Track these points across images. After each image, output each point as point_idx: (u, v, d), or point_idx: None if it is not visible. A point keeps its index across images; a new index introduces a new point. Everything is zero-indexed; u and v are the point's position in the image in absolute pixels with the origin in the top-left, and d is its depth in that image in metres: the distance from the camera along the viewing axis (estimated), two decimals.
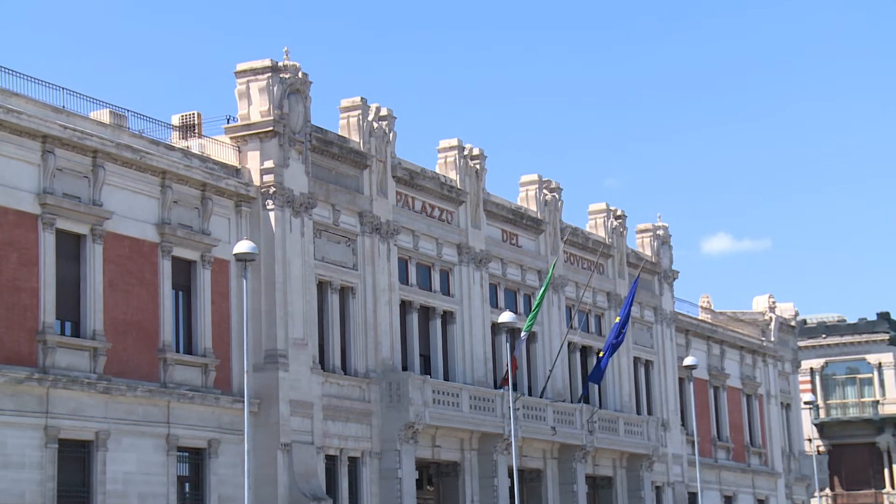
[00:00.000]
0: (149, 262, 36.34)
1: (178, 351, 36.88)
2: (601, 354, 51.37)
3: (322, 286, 41.37)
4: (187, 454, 36.62)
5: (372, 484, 41.60)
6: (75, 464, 33.37)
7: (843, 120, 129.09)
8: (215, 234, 38.30)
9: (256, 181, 39.42)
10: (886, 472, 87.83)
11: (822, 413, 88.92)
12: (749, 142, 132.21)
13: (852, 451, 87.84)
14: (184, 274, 37.50)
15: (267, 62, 39.78)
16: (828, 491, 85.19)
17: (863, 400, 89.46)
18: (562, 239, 53.33)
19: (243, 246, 32.66)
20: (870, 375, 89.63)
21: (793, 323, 75.31)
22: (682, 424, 60.14)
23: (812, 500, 73.06)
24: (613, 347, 50.50)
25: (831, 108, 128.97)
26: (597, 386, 54.20)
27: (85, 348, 33.97)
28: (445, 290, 47.10)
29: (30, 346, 32.63)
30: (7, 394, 31.59)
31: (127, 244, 35.67)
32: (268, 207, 39.41)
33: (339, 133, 43.14)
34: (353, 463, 41.35)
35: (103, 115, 36.99)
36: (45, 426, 32.36)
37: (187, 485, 36.77)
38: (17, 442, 31.67)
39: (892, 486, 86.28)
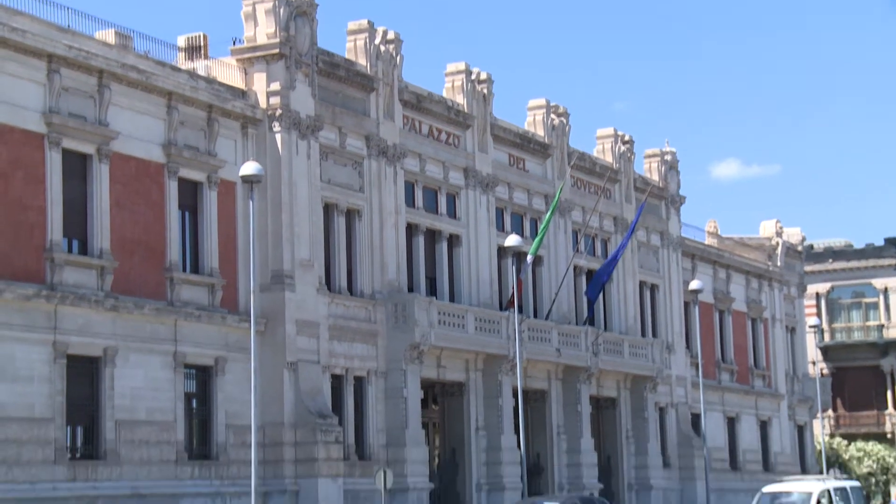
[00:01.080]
0: (155, 183, 36.59)
1: (184, 270, 37.25)
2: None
3: (328, 208, 41.63)
4: (194, 371, 37.16)
5: (377, 402, 42.17)
6: (84, 379, 33.91)
7: (854, 44, 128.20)
8: (221, 156, 38.49)
9: (263, 103, 39.53)
10: (889, 393, 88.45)
11: (826, 337, 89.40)
12: (760, 66, 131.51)
13: (855, 374, 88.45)
14: (190, 195, 37.77)
15: None
16: (830, 412, 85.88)
17: (868, 324, 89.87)
18: (569, 163, 53.42)
19: (249, 167, 32.88)
20: (875, 300, 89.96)
21: (799, 248, 75.49)
22: (687, 347, 60.62)
23: (814, 421, 73.72)
24: (609, 266, 50.93)
25: (843, 33, 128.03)
26: (601, 309, 54.60)
27: (92, 266, 34.36)
28: (452, 213, 47.34)
29: (37, 264, 33.01)
30: (16, 309, 32.04)
31: (133, 164, 35.90)
32: (274, 130, 39.55)
33: (346, 56, 43.13)
34: (359, 382, 41.89)
35: (108, 36, 37.05)
36: (54, 342, 32.85)
37: (194, 401, 37.35)
38: (25, 356, 32.18)
39: (895, 407, 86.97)
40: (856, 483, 39.62)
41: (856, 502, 37.94)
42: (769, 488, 39.82)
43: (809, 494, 36.88)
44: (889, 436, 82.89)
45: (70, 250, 34.16)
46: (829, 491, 37.17)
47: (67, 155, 33.99)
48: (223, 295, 38.04)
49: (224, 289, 38.07)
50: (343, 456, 39.45)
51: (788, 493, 37.80)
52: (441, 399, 46.56)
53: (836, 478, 40.18)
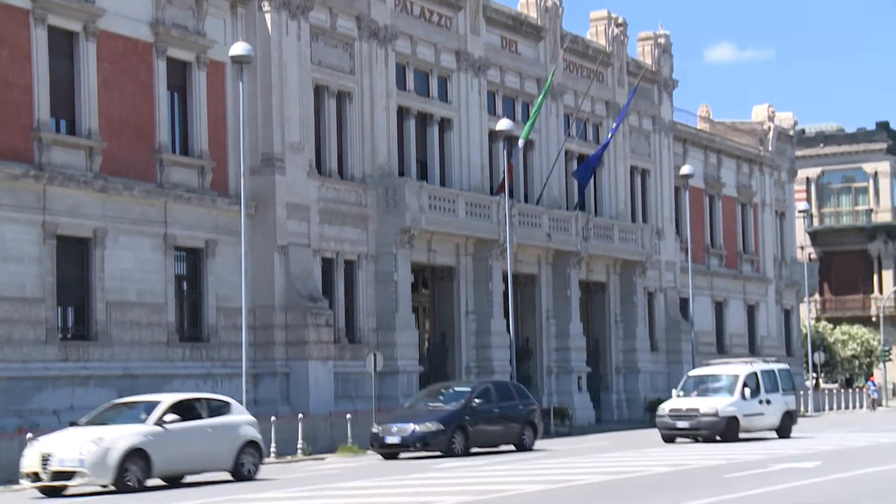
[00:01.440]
0: (143, 62, 36.03)
1: (174, 152, 36.90)
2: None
3: (319, 90, 41.13)
4: (185, 254, 37.04)
5: (367, 286, 42.18)
6: (74, 260, 33.79)
7: None
8: (211, 36, 37.86)
9: None
10: (875, 277, 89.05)
11: (815, 221, 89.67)
12: None
13: (843, 258, 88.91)
14: (179, 75, 37.23)
15: None
16: (817, 296, 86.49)
17: (857, 208, 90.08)
18: (562, 47, 52.76)
19: (239, 48, 32.31)
20: (865, 184, 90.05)
21: (791, 133, 75.20)
22: (677, 232, 60.65)
23: (801, 305, 74.21)
24: (600, 151, 50.69)
25: None
26: (592, 194, 54.44)
27: (80, 147, 33.99)
28: (443, 96, 46.85)
29: (25, 143, 32.63)
30: (4, 189, 31.75)
31: (121, 43, 35.30)
32: (264, 9, 38.87)
33: None
34: (350, 266, 41.84)
35: None
36: (43, 222, 32.63)
37: (185, 283, 37.31)
38: (15, 237, 32.00)
39: (881, 291, 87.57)
40: (784, 366, 39.39)
41: (783, 385, 37.72)
42: (695, 371, 39.86)
43: (736, 377, 36.75)
44: (874, 319, 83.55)
45: (58, 130, 33.76)
46: (756, 374, 37.03)
47: (53, 32, 33.38)
48: (213, 177, 37.74)
49: (214, 171, 37.76)
50: (333, 339, 39.57)
51: (716, 377, 37.62)
52: (431, 283, 46.60)
53: (764, 360, 40.04)
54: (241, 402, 33.26)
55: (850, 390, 71.75)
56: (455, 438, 32.35)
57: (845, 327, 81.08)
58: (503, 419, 34.10)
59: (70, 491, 23.66)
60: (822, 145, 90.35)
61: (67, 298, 33.65)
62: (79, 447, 23.26)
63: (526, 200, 49.98)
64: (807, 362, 71.15)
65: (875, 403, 70.28)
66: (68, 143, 33.70)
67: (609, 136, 50.82)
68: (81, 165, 33.92)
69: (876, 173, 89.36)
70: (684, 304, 58.69)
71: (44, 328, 32.42)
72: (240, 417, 26.73)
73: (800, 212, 71.54)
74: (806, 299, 70.63)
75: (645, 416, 52.24)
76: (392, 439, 32.47)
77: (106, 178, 34.25)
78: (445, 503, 18.52)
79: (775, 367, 38.60)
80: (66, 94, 33.87)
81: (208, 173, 37.58)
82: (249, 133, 37.26)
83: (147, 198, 35.44)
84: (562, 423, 44.29)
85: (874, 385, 71.95)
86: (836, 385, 78.01)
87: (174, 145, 37.05)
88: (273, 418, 33.88)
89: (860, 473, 22.23)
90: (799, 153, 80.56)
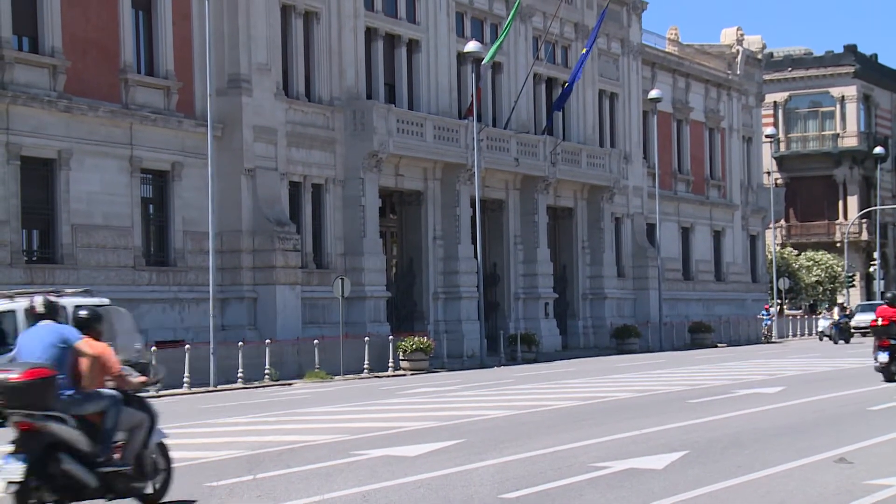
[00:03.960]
0: None
1: (139, 72, 36.42)
2: (566, 85, 51.22)
3: (286, 10, 40.62)
4: (151, 176, 36.72)
5: (335, 210, 41.99)
6: (39, 182, 33.45)
7: None
8: None
9: None
10: (840, 203, 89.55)
11: (782, 147, 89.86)
12: None
13: (809, 184, 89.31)
14: None
15: None
16: (782, 222, 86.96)
17: (823, 133, 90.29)
18: None
19: None
20: (832, 109, 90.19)
21: (759, 56, 75.04)
22: (644, 157, 60.61)
23: (767, 231, 74.60)
24: (574, 77, 50.37)
25: None
26: (560, 118, 54.25)
27: (44, 65, 33.49)
28: (411, 17, 46.36)
29: None
30: None
31: None
32: None
33: None
34: (317, 190, 41.61)
35: None
36: (7, 143, 32.23)
37: (151, 207, 37.03)
38: None
39: (845, 217, 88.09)
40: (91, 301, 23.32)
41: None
42: None
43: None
44: (838, 245, 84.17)
45: (20, 48, 33.22)
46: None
47: None
48: (179, 98, 37.31)
49: (180, 92, 37.33)
50: (301, 264, 39.46)
51: None
52: (399, 208, 46.45)
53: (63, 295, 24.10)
54: (208, 327, 33.33)
55: (814, 316, 72.19)
56: None
57: (810, 253, 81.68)
58: None
59: None
60: (789, 69, 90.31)
61: (32, 221, 33.35)
62: None
63: (494, 124, 49.75)
64: (772, 288, 71.67)
65: (769, 333, 63.09)
66: (31, 61, 33.19)
67: (581, 59, 50.43)
68: (45, 85, 33.45)
69: (843, 98, 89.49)
70: (651, 230, 58.85)
71: (8, 251, 32.14)
72: None
73: (766, 137, 71.68)
74: (772, 225, 71.04)
75: (611, 342, 52.56)
76: None
77: (70, 98, 33.80)
78: (411, 428, 18.59)
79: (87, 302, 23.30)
80: (28, 11, 33.30)
81: (174, 94, 37.15)
82: (216, 53, 36.80)
83: (112, 119, 35.03)
84: (528, 350, 44.49)
85: (767, 314, 64.02)
86: (800, 311, 78.72)
87: (139, 65, 36.56)
88: (240, 344, 33.84)
89: (820, 399, 22.44)
90: (766, 77, 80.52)
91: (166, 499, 12.12)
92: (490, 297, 48.70)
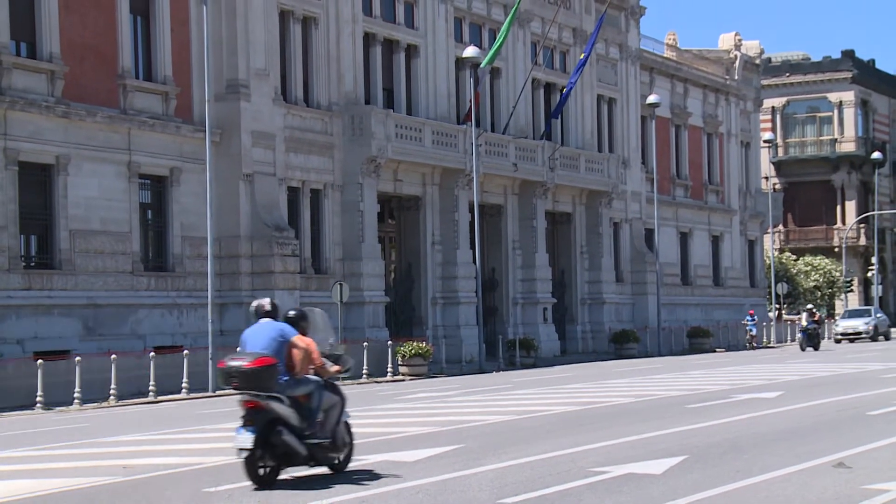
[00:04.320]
0: None
1: (137, 78, 36.41)
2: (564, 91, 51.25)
3: (284, 15, 40.63)
4: (149, 182, 36.68)
5: (334, 216, 41.98)
6: (37, 187, 33.40)
7: None
8: None
9: None
10: (838, 208, 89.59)
11: (780, 152, 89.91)
12: None
13: (807, 189, 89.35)
14: None
15: None
16: (781, 227, 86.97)
17: (821, 138, 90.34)
18: None
19: None
20: (830, 114, 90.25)
21: (757, 61, 75.11)
22: (643, 162, 60.63)
23: (765, 236, 74.62)
24: (572, 81, 50.40)
25: None
26: (559, 123, 54.26)
27: (42, 71, 33.47)
28: (410, 23, 46.38)
29: None
30: None
31: None
32: None
33: None
34: (315, 195, 41.60)
35: None
36: (5, 148, 32.19)
37: (149, 212, 37.00)
38: None
39: (843, 222, 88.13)
40: None
41: None
42: None
43: None
44: (836, 250, 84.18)
45: (18, 53, 33.22)
46: None
47: None
48: (177, 104, 37.30)
49: (178, 97, 37.31)
50: (299, 269, 39.42)
51: None
52: (397, 213, 46.43)
53: None
54: (206, 333, 33.30)
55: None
56: None
57: (808, 258, 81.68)
58: None
59: None
60: (787, 74, 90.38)
61: (30, 226, 33.32)
62: None
63: (493, 129, 49.74)
64: (770, 293, 71.64)
65: (754, 341, 59.28)
66: (29, 66, 33.18)
67: (579, 64, 50.45)
68: (43, 90, 33.43)
69: (840, 103, 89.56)
70: (649, 234, 58.84)
71: (6, 256, 32.09)
72: None
73: (765, 142, 71.72)
74: (770, 230, 71.07)
75: (610, 347, 52.54)
76: None
77: (68, 104, 33.79)
78: (410, 433, 18.57)
79: None
80: (26, 16, 33.28)
81: (172, 100, 37.14)
82: (214, 59, 36.80)
83: (110, 124, 35.00)
84: (527, 355, 44.47)
85: (752, 319, 59.92)
86: (798, 316, 78.68)
87: (138, 71, 36.55)
88: (239, 349, 33.73)
89: (819, 403, 22.43)
90: (764, 82, 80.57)
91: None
92: (489, 302, 48.68)
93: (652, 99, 55.98)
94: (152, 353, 30.97)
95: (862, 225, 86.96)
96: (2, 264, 31.97)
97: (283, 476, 13.65)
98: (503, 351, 43.77)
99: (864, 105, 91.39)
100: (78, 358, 29.37)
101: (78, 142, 34.09)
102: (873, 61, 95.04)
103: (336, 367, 14.38)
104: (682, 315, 63.23)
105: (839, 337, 61.72)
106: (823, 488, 12.39)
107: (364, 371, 36.87)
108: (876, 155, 78.18)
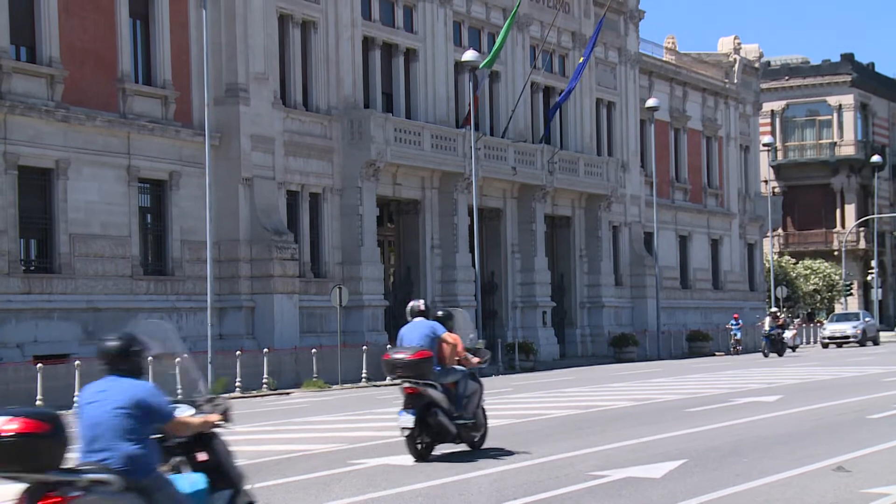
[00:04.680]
0: None
1: (136, 82, 36.44)
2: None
3: (283, 20, 40.66)
4: (148, 186, 36.70)
5: (333, 220, 41.99)
6: (36, 191, 33.42)
7: None
8: None
9: None
10: (838, 212, 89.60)
11: (779, 155, 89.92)
12: None
13: (806, 192, 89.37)
14: (141, 2, 36.66)
15: None
16: (780, 231, 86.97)
17: (821, 142, 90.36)
18: None
19: None
20: (829, 117, 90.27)
21: (756, 65, 75.14)
22: (642, 166, 60.64)
23: (764, 239, 74.62)
24: (571, 84, 50.39)
25: None
26: (558, 127, 54.28)
27: (41, 75, 33.49)
28: (409, 26, 46.40)
29: None
30: None
31: None
32: None
33: None
34: (315, 199, 41.62)
35: None
36: (4, 152, 32.21)
37: (149, 216, 37.02)
38: None
39: (843, 226, 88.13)
40: None
41: None
42: None
43: None
44: (836, 253, 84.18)
45: (18, 58, 33.23)
46: None
47: None
48: (176, 108, 37.33)
49: (177, 101, 37.34)
50: (299, 273, 39.44)
51: None
52: (397, 217, 46.45)
53: None
54: (206, 336, 33.30)
55: (812, 325, 72.12)
56: None
57: (808, 262, 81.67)
58: None
59: None
60: (786, 78, 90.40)
61: (30, 230, 33.34)
62: None
63: (491, 133, 49.76)
64: (769, 297, 71.66)
65: (738, 345, 55.75)
66: (29, 70, 33.20)
67: (578, 68, 50.45)
68: (43, 94, 33.45)
69: (840, 106, 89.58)
70: (649, 238, 58.84)
71: (6, 260, 32.10)
72: None
73: (764, 145, 71.72)
74: (769, 234, 71.08)
75: (609, 350, 52.53)
76: None
77: (68, 108, 33.81)
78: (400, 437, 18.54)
79: None
80: (26, 20, 33.31)
81: (172, 104, 37.16)
82: (213, 63, 36.82)
83: (110, 128, 35.02)
84: (526, 358, 44.47)
85: (737, 323, 56.05)
86: (797, 320, 78.68)
87: (137, 75, 36.57)
88: (238, 353, 33.82)
89: (819, 407, 22.43)
90: (764, 86, 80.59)
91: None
92: (488, 306, 48.68)
93: (651, 102, 55.98)
94: (151, 357, 30.87)
95: (861, 228, 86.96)
96: (2, 268, 31.98)
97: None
98: (502, 354, 43.76)
99: (863, 108, 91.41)
100: (78, 362, 29.34)
101: (77, 146, 34.10)
102: (873, 64, 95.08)
103: (477, 359, 16.75)
104: (682, 319, 63.24)
105: (826, 341, 61.05)
106: (823, 492, 12.39)
107: (363, 375, 36.87)
108: (875, 158, 78.19)
